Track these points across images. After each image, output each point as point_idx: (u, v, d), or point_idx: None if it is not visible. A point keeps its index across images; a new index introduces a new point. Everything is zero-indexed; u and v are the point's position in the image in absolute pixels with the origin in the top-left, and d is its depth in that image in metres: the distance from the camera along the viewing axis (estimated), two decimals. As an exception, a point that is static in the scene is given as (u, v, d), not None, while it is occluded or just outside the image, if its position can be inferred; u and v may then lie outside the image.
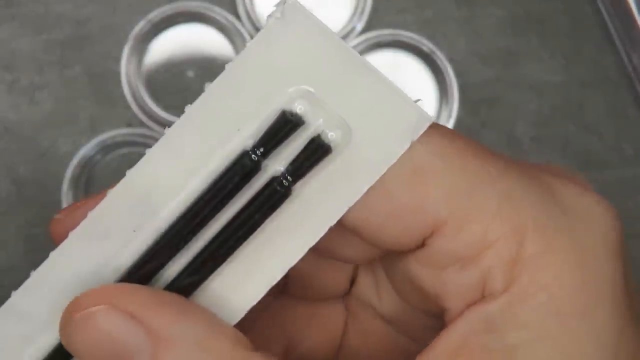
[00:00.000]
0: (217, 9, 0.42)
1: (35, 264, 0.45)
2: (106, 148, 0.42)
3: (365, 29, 0.43)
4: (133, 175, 0.21)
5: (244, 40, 0.42)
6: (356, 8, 0.43)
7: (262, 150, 0.21)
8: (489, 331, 0.20)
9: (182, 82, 0.43)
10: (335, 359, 0.26)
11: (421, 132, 0.21)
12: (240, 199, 0.21)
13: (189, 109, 0.21)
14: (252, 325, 0.24)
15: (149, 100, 0.42)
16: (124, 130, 0.42)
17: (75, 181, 0.41)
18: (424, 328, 0.24)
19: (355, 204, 0.21)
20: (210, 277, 0.21)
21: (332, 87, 0.21)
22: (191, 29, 0.43)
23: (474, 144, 0.22)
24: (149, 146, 0.45)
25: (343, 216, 0.21)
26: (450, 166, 0.21)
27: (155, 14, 0.42)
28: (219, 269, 0.21)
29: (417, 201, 0.21)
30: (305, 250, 0.21)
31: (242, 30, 0.42)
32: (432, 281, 0.22)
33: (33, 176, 0.42)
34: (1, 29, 0.43)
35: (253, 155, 0.21)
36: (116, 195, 0.21)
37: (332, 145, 0.21)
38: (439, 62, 0.43)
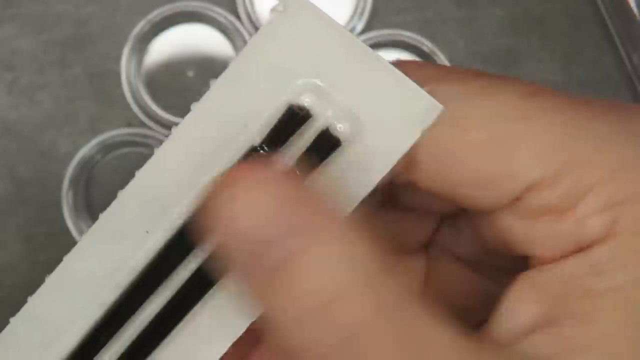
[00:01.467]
0: (217, 9, 0.42)
1: (36, 264, 0.45)
2: (106, 148, 0.42)
3: (365, 29, 0.43)
4: (142, 175, 0.21)
5: (244, 40, 0.42)
6: (356, 8, 0.43)
7: (270, 145, 0.21)
8: (593, 274, 0.20)
9: (182, 82, 0.43)
10: None
11: (431, 120, 0.20)
12: None
13: (195, 106, 0.21)
14: None
15: (149, 100, 0.42)
16: (124, 130, 0.42)
17: (75, 181, 0.41)
18: (505, 269, 0.24)
19: (434, 176, 0.21)
20: None
21: (339, 79, 0.20)
22: (191, 29, 0.43)
23: (556, 96, 0.21)
24: (149, 146, 0.45)
25: (427, 184, 0.21)
26: (533, 128, 0.21)
27: (155, 14, 0.42)
28: None
29: (505, 169, 0.21)
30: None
31: (242, 30, 0.42)
32: (521, 230, 0.22)
33: (33, 176, 0.42)
34: (1, 28, 0.43)
35: (261, 151, 0.21)
36: (126, 196, 0.21)
37: (341, 137, 0.21)
38: (439, 62, 0.43)
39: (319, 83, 0.21)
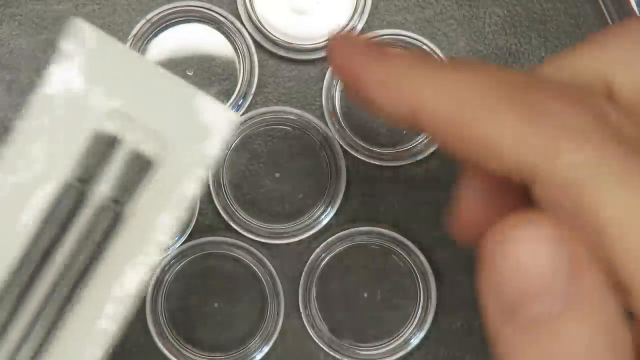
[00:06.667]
0: (217, 9, 0.42)
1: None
2: (106, 148, 0.42)
3: (366, 29, 0.43)
4: None
5: (244, 40, 0.42)
6: (356, 8, 0.43)
7: (83, 178, 0.21)
8: None
9: (182, 82, 0.43)
10: None
11: (229, 129, 0.21)
12: (74, 230, 0.21)
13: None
14: None
15: (148, 100, 0.42)
16: (124, 130, 0.42)
17: (75, 181, 0.41)
18: None
19: None
20: (71, 305, 0.21)
21: (137, 100, 0.21)
22: (191, 29, 0.43)
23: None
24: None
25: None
26: None
27: (155, 14, 0.42)
28: (74, 301, 0.21)
29: None
30: (153, 261, 0.21)
31: (242, 30, 0.42)
32: None
33: (33, 176, 0.42)
34: (0, 28, 0.43)
35: (76, 186, 0.21)
36: None
37: (150, 158, 0.21)
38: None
39: (119, 106, 0.21)
